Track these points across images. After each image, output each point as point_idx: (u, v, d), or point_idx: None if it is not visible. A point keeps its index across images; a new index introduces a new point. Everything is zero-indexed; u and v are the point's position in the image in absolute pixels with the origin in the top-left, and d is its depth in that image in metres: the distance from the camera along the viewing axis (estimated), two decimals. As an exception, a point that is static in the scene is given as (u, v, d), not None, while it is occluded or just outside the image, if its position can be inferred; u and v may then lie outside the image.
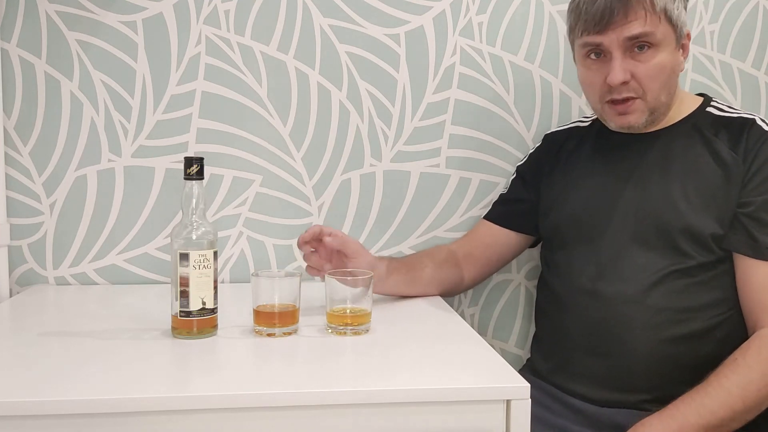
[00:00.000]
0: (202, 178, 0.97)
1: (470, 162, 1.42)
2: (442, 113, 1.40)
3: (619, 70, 1.02)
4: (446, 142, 1.40)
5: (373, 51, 1.37)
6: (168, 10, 1.32)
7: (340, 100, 1.37)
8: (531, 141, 1.41)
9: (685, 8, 1.07)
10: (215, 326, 0.98)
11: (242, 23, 1.34)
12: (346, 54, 1.37)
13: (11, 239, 1.31)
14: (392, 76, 1.38)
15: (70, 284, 1.34)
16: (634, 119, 1.06)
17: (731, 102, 1.46)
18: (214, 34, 1.33)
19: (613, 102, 1.06)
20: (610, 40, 1.02)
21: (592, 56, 1.07)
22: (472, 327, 1.24)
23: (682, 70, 1.09)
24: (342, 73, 1.37)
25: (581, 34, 1.05)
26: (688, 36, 1.08)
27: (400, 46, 1.38)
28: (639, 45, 1.02)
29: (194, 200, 0.96)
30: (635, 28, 1.00)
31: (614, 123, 1.09)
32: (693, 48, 1.44)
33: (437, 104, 1.40)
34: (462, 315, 1.43)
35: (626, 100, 1.05)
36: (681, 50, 1.07)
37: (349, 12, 1.36)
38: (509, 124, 1.42)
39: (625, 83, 1.03)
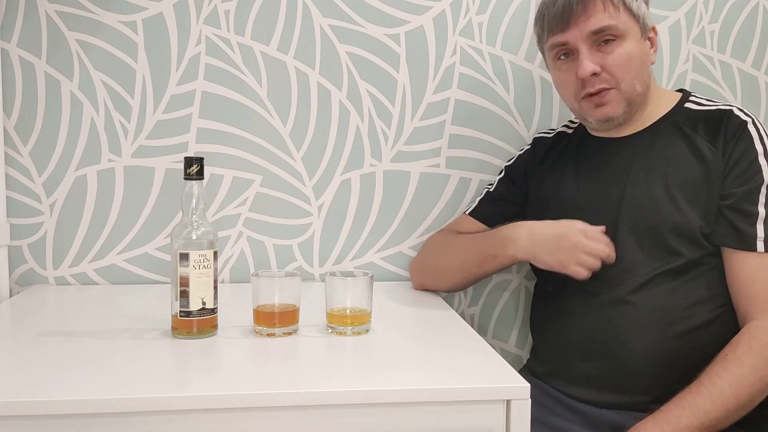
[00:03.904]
0: (202, 178, 0.97)
1: (470, 162, 1.42)
2: (442, 113, 1.40)
3: (587, 62, 1.05)
4: (446, 142, 1.40)
5: (373, 51, 1.37)
6: (168, 10, 1.32)
7: (340, 100, 1.37)
8: (531, 141, 1.41)
9: (647, 4, 1.09)
10: (215, 326, 0.98)
11: (242, 23, 1.34)
12: (346, 54, 1.37)
13: (11, 239, 1.31)
14: (392, 76, 1.38)
15: (70, 284, 1.34)
16: (611, 109, 1.08)
17: (731, 102, 1.46)
18: (214, 34, 1.33)
19: (589, 96, 1.08)
20: (575, 36, 1.05)
21: (562, 57, 1.10)
22: (472, 327, 1.23)
23: (653, 62, 1.11)
24: (342, 73, 1.37)
25: (548, 37, 1.09)
26: (654, 30, 1.10)
27: (400, 46, 1.38)
28: (604, 39, 1.05)
29: (194, 200, 0.96)
30: (595, 22, 1.04)
31: (593, 117, 1.10)
32: (693, 48, 1.45)
33: (437, 104, 1.40)
34: (462, 315, 1.43)
35: (600, 91, 1.07)
36: (649, 43, 1.09)
37: (349, 12, 1.36)
38: (509, 124, 1.42)
39: (596, 74, 1.05)
